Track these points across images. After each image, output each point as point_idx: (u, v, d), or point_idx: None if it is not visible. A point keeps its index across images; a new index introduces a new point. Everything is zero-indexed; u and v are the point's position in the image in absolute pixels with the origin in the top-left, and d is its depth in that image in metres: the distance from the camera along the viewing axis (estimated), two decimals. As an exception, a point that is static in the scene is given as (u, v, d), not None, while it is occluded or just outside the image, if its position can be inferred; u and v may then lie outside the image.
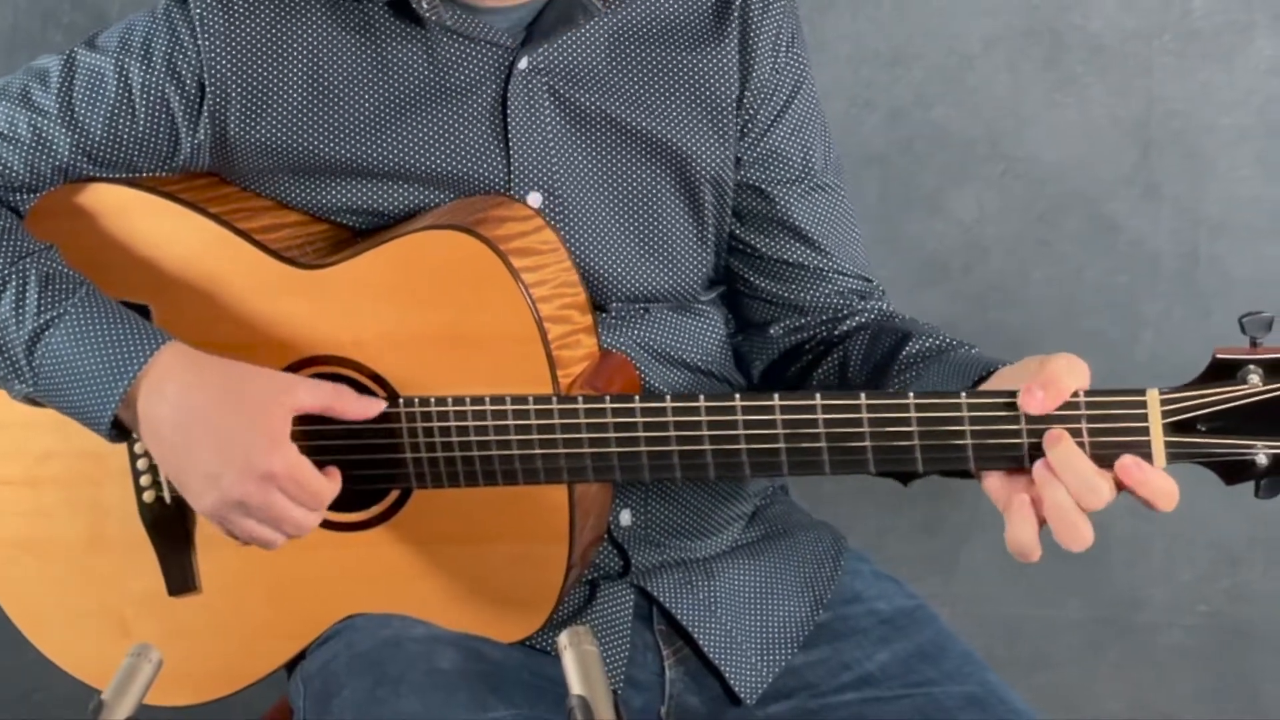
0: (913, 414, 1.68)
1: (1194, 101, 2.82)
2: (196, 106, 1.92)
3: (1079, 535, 1.65)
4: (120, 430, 1.86)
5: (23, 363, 1.86)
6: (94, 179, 1.95)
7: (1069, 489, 1.64)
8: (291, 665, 1.98)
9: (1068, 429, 1.65)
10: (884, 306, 2.04)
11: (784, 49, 1.99)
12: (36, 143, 1.93)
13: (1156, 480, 1.65)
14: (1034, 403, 1.65)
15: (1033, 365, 1.68)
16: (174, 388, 1.82)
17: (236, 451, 1.80)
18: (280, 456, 1.79)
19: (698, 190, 1.98)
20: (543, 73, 1.93)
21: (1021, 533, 1.67)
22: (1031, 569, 2.85)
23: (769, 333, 2.05)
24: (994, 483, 1.70)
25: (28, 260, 1.88)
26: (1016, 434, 1.66)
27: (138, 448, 1.94)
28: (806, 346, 2.03)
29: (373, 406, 1.83)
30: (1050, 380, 1.65)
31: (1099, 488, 1.64)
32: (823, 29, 2.80)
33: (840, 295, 2.02)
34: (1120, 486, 1.66)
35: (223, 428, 1.81)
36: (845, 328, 2.01)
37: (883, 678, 1.94)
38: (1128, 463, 1.64)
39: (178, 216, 1.92)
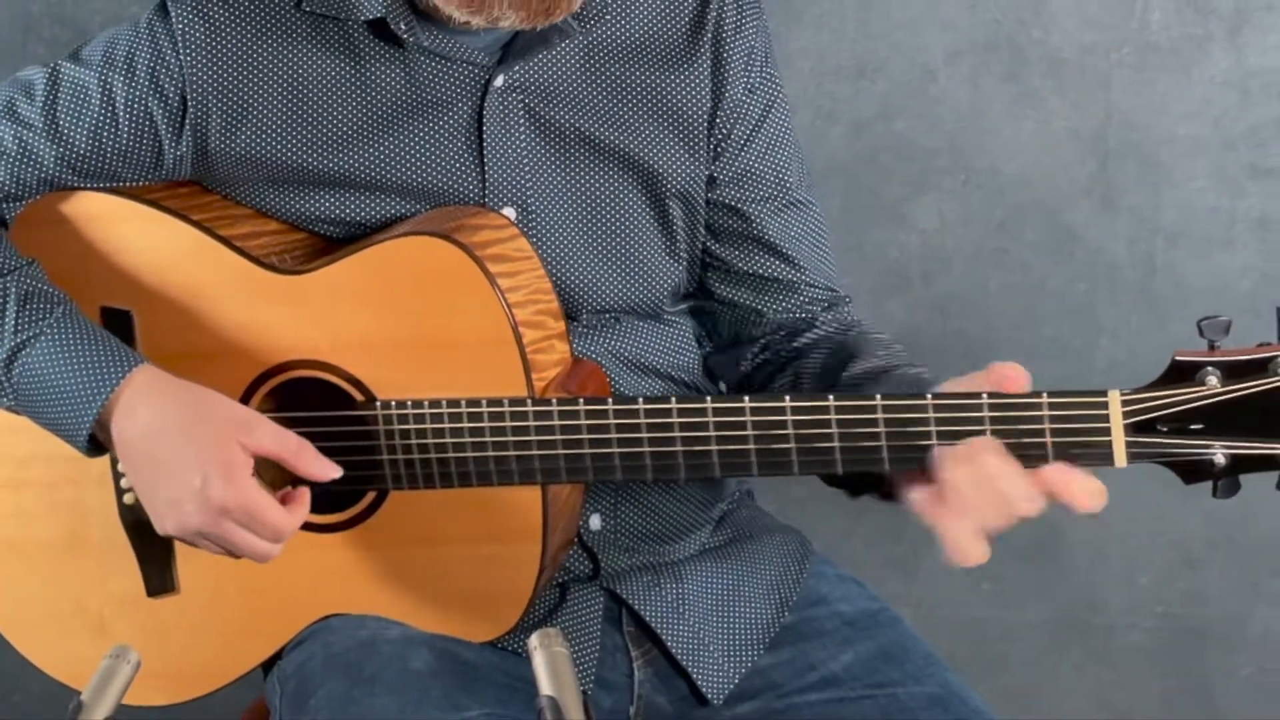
0: (880, 414, 1.70)
1: (1151, 113, 2.83)
2: (179, 119, 1.93)
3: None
4: (97, 446, 1.87)
5: (1, 378, 1.87)
6: (78, 189, 1.96)
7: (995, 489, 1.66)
8: (268, 665, 1.98)
9: (1030, 429, 1.66)
10: (847, 316, 2.05)
11: (756, 68, 2.01)
12: (22, 155, 1.93)
13: (1080, 482, 1.66)
14: (1011, 382, 1.67)
15: (978, 376, 1.70)
16: (144, 411, 1.83)
17: (194, 483, 1.79)
18: (234, 491, 1.79)
19: (667, 205, 1.99)
20: (518, 90, 1.95)
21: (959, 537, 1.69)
22: (992, 572, 2.87)
23: (736, 346, 2.07)
24: (919, 496, 1.71)
25: (9, 278, 1.88)
26: (982, 433, 1.68)
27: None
28: (769, 360, 2.05)
29: (329, 470, 1.82)
30: (1008, 370, 1.68)
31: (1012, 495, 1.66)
32: (787, 43, 2.81)
33: (806, 306, 2.04)
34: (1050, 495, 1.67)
35: (184, 458, 1.80)
36: (804, 340, 2.02)
37: (847, 678, 1.95)
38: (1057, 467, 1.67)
39: (160, 223, 1.92)
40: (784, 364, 2.02)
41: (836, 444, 1.71)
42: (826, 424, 1.71)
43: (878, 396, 1.70)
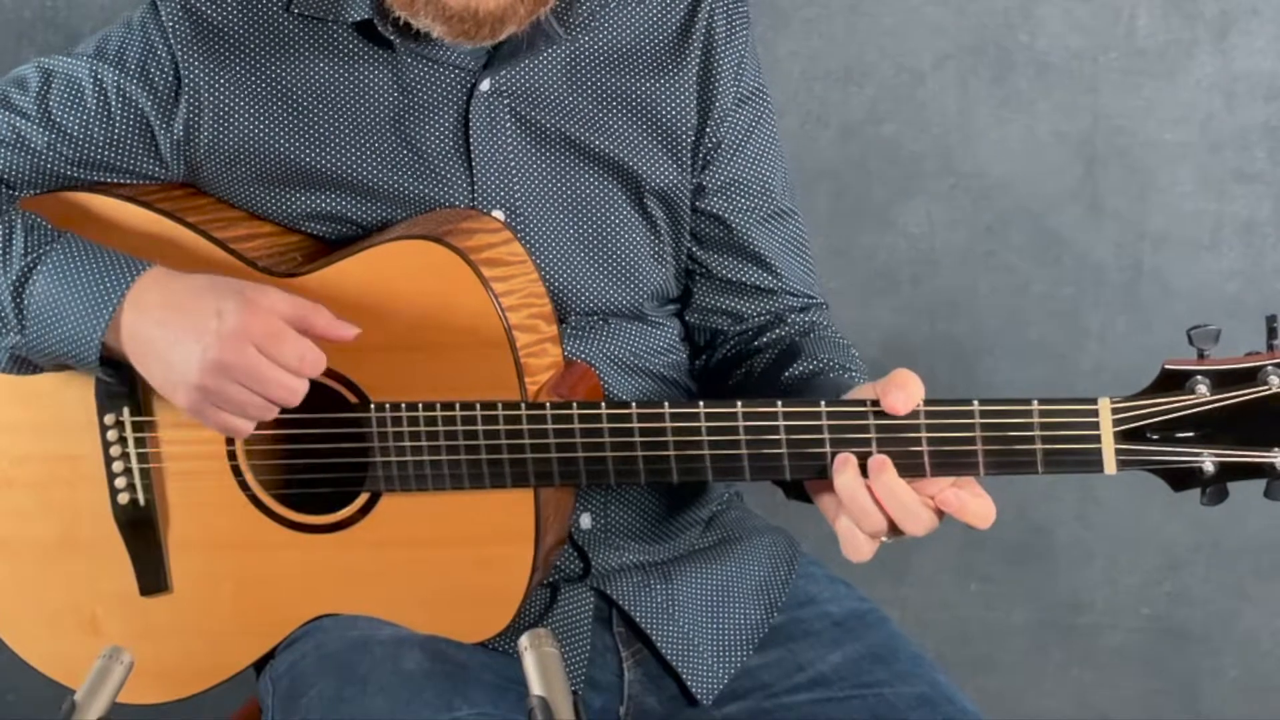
0: (870, 420, 1.71)
1: (1137, 118, 2.84)
2: (171, 107, 1.94)
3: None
4: (109, 364, 1.87)
5: (9, 310, 1.86)
6: (74, 180, 1.96)
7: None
8: (260, 665, 1.99)
9: (1021, 435, 1.68)
10: (817, 319, 2.07)
11: (747, 78, 2.02)
12: (15, 142, 1.94)
13: (974, 505, 1.71)
14: (898, 405, 1.70)
15: (879, 383, 1.74)
16: (155, 294, 1.82)
17: (210, 321, 1.79)
18: (254, 313, 1.78)
19: (652, 210, 2.01)
20: (504, 94, 1.96)
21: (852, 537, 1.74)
22: (979, 574, 2.87)
23: (710, 347, 2.08)
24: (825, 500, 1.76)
25: (12, 212, 1.89)
26: (972, 440, 1.71)
27: (113, 450, 1.94)
28: (727, 356, 2.07)
29: (346, 329, 1.81)
30: (899, 382, 1.71)
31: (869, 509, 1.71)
32: (776, 47, 2.81)
33: (778, 310, 2.06)
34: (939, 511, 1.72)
35: (197, 308, 1.80)
36: (765, 339, 2.04)
37: (835, 678, 1.96)
38: (948, 496, 1.71)
39: (155, 224, 1.93)
40: (741, 360, 2.04)
41: (828, 449, 1.74)
42: (819, 429, 1.73)
43: (868, 403, 1.72)
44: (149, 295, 1.83)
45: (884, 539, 1.74)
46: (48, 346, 1.87)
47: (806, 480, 1.79)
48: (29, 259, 1.86)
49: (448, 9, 1.86)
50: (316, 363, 1.80)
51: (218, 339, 1.79)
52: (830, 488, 1.74)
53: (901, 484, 1.70)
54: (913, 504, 1.70)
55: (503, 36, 1.89)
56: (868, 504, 1.71)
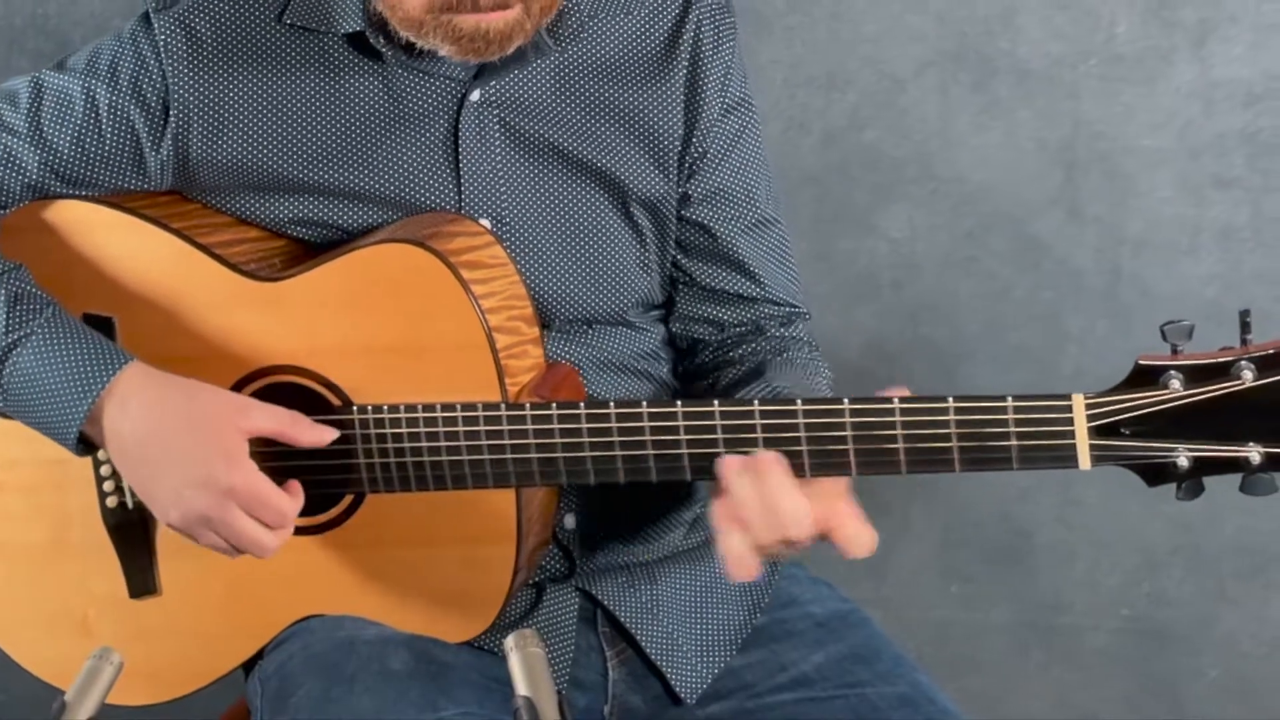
0: (847, 419, 1.72)
1: (1117, 124, 2.83)
2: (161, 126, 1.95)
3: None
4: (86, 445, 1.88)
5: None
6: (62, 196, 1.97)
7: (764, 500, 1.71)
8: (249, 666, 2.00)
9: (995, 431, 1.68)
10: (797, 332, 2.08)
11: (733, 88, 2.03)
12: (6, 160, 1.94)
13: (852, 527, 1.72)
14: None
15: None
16: (136, 405, 1.84)
17: (197, 468, 1.82)
18: (238, 473, 1.81)
19: (637, 218, 2.02)
20: (493, 105, 1.97)
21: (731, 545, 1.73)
22: (960, 575, 2.88)
23: (690, 353, 2.09)
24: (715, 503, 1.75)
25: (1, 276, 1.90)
26: (948, 436, 1.71)
27: (101, 454, 1.95)
28: (706, 362, 2.07)
29: (325, 434, 1.85)
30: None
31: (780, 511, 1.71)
32: (759, 54, 2.81)
33: (759, 319, 2.07)
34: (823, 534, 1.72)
35: (183, 445, 1.83)
36: (743, 350, 2.05)
37: (818, 678, 1.97)
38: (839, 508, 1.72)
39: (141, 231, 1.94)
40: (712, 370, 2.05)
41: (804, 447, 1.73)
42: (794, 427, 1.73)
43: (845, 400, 1.72)
44: (130, 405, 1.85)
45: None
46: (27, 423, 1.91)
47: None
48: (11, 338, 1.88)
49: (459, 31, 1.87)
50: (291, 517, 1.85)
51: (203, 493, 1.82)
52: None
53: (791, 482, 1.71)
54: (800, 504, 1.71)
55: (509, 51, 1.90)
56: (792, 501, 1.71)
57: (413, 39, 1.90)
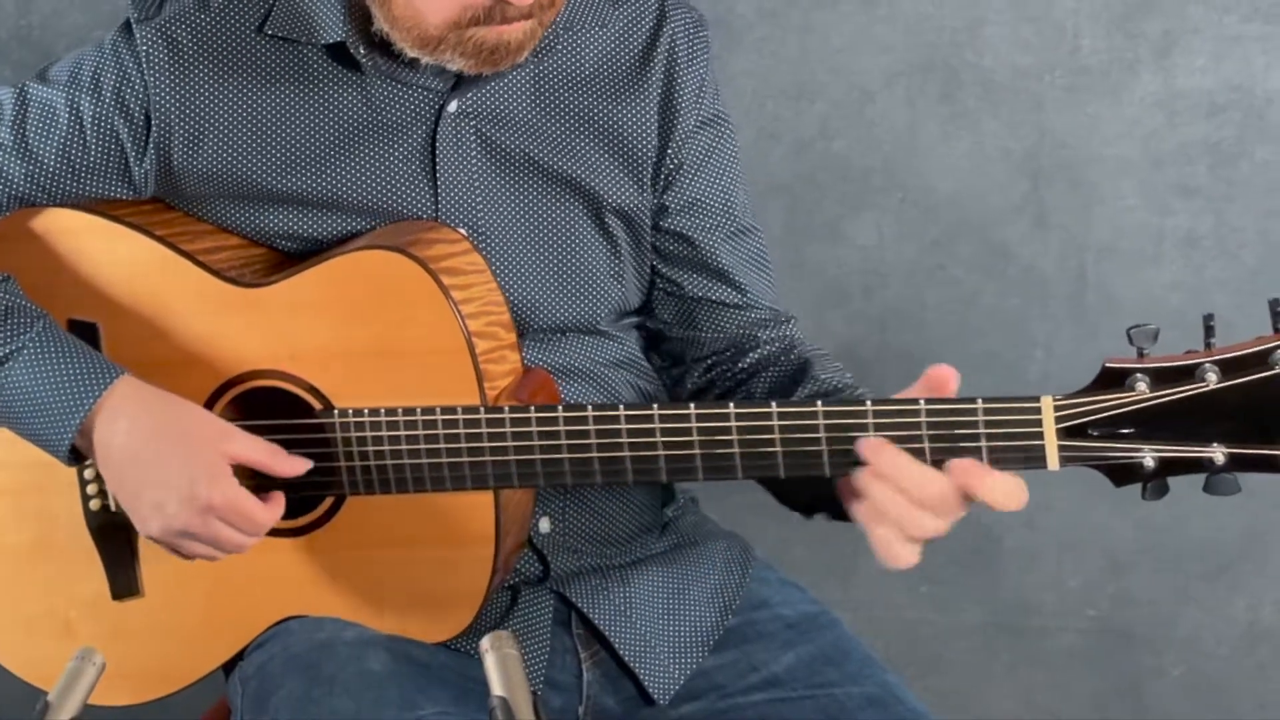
0: (820, 420, 1.72)
1: (1081, 134, 2.85)
2: (144, 137, 1.95)
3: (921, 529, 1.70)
4: (76, 454, 1.90)
5: None
6: (44, 205, 1.98)
7: (900, 490, 1.69)
8: (229, 666, 2.00)
9: (966, 434, 1.69)
10: (787, 333, 2.09)
11: (708, 100, 2.04)
12: None
13: (996, 480, 1.68)
14: (942, 383, 1.70)
15: (917, 386, 1.72)
16: (125, 421, 1.86)
17: (180, 485, 1.84)
18: (220, 490, 1.83)
19: (612, 228, 2.03)
20: (470, 116, 1.98)
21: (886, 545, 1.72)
22: (928, 576, 2.89)
23: (678, 366, 2.10)
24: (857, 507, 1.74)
25: None
26: (920, 438, 1.70)
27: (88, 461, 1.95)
28: (714, 381, 2.07)
29: (300, 465, 1.87)
30: (941, 370, 1.70)
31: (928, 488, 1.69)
32: (730, 65, 2.82)
33: (748, 326, 2.07)
34: (965, 495, 1.69)
35: (168, 462, 1.85)
36: (750, 361, 2.05)
37: (788, 679, 1.98)
38: (967, 464, 1.68)
39: (125, 239, 1.95)
40: (733, 387, 2.05)
41: (779, 449, 1.74)
42: (769, 430, 1.73)
43: (818, 403, 1.72)
44: (119, 420, 1.87)
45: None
46: (19, 433, 1.92)
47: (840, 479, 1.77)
48: (3, 352, 1.89)
49: (482, 44, 1.87)
50: (269, 526, 1.88)
51: (185, 508, 1.85)
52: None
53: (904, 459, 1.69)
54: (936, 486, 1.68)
55: (521, 60, 1.92)
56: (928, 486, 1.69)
57: (423, 57, 1.91)
